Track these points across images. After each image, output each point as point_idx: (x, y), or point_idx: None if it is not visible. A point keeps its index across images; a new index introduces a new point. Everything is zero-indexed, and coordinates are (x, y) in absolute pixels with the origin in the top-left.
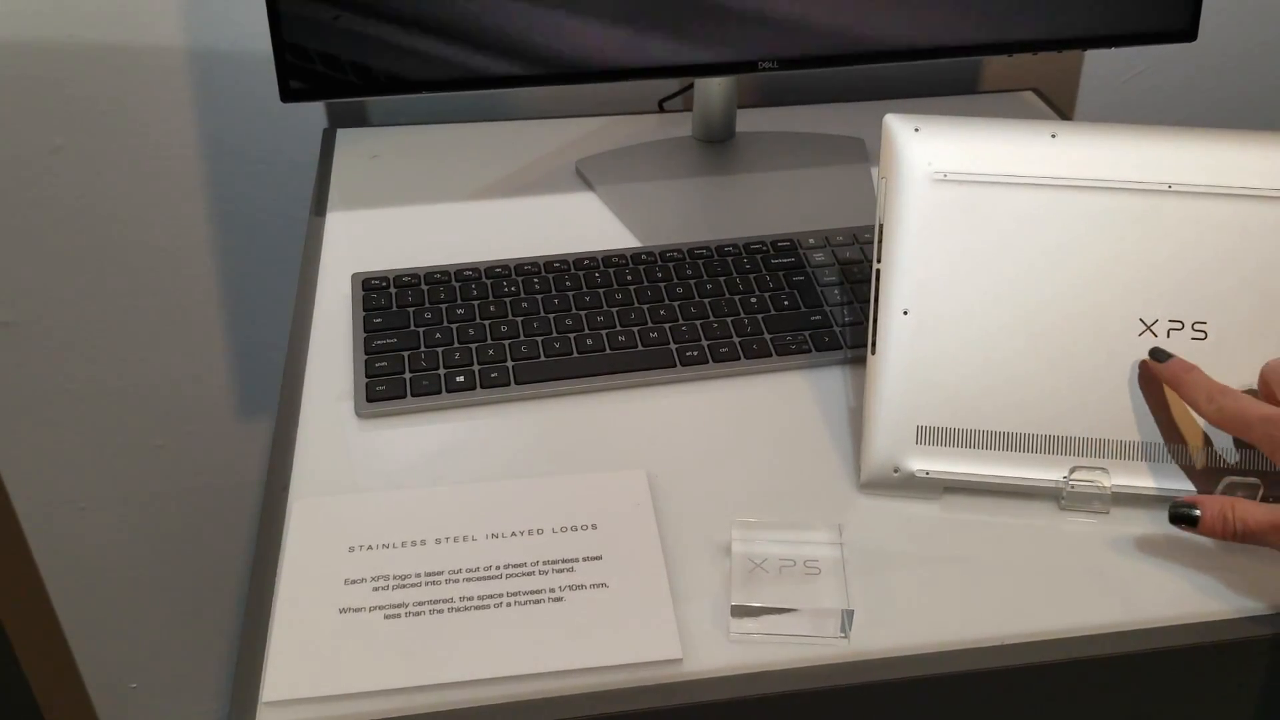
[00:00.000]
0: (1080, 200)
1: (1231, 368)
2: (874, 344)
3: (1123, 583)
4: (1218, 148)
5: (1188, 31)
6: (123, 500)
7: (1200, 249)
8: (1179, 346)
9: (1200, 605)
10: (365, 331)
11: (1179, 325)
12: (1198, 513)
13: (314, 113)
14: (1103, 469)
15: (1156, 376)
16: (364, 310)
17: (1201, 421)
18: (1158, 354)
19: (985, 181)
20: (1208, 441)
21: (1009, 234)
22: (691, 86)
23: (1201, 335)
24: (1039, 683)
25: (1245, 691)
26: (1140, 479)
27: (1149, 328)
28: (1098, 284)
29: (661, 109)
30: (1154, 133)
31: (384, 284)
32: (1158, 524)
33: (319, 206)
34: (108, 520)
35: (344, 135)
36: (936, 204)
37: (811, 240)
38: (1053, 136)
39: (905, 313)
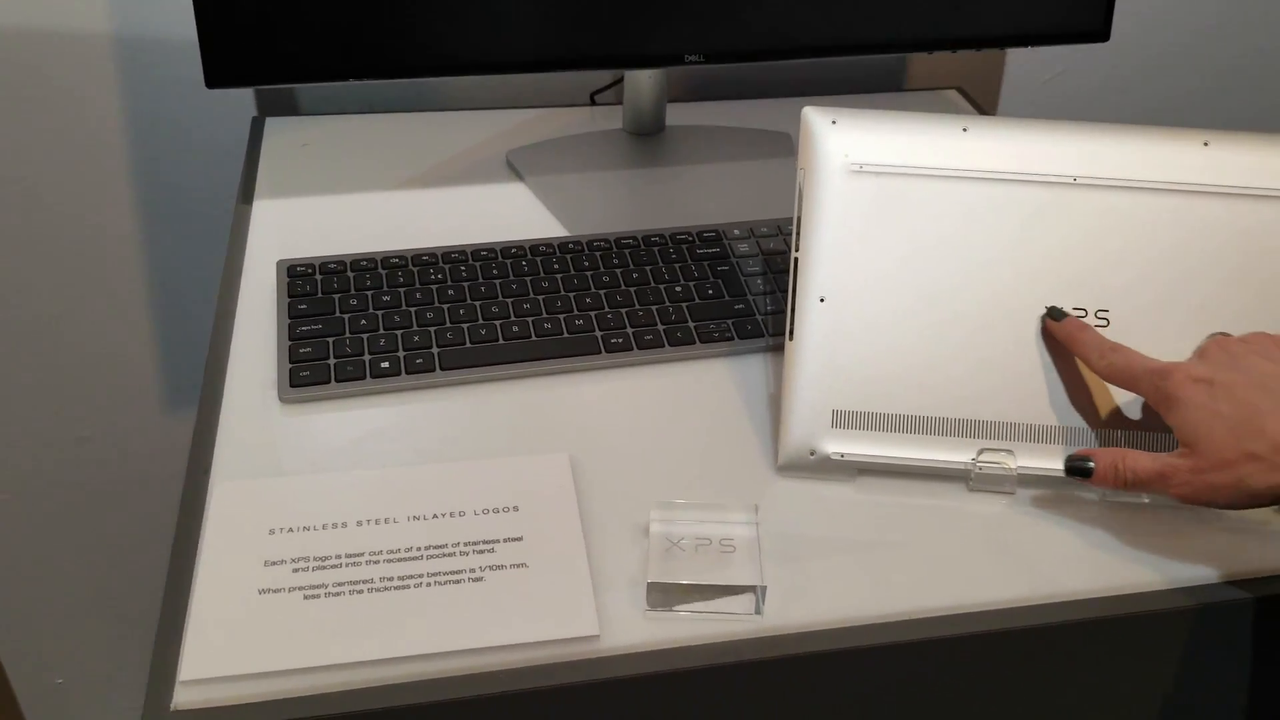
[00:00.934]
0: (990, 191)
1: None
2: (792, 330)
3: (1028, 559)
4: (1122, 143)
5: (1101, 32)
6: (48, 493)
7: (1103, 239)
8: None
9: (1101, 580)
10: (290, 318)
11: (1083, 312)
12: (1091, 464)
13: (244, 101)
14: (1009, 451)
15: (1053, 334)
16: (289, 297)
17: (1101, 402)
18: (1055, 312)
19: (899, 173)
20: (1107, 424)
21: (922, 224)
22: (622, 80)
23: (1104, 322)
24: (945, 655)
25: (1143, 663)
26: (1045, 460)
27: None
28: (1006, 272)
29: (593, 102)
30: (1061, 128)
31: (309, 271)
32: (1062, 504)
33: (246, 194)
34: (32, 513)
35: (273, 123)
36: (853, 194)
37: (736, 231)
38: (964, 130)
39: (822, 300)
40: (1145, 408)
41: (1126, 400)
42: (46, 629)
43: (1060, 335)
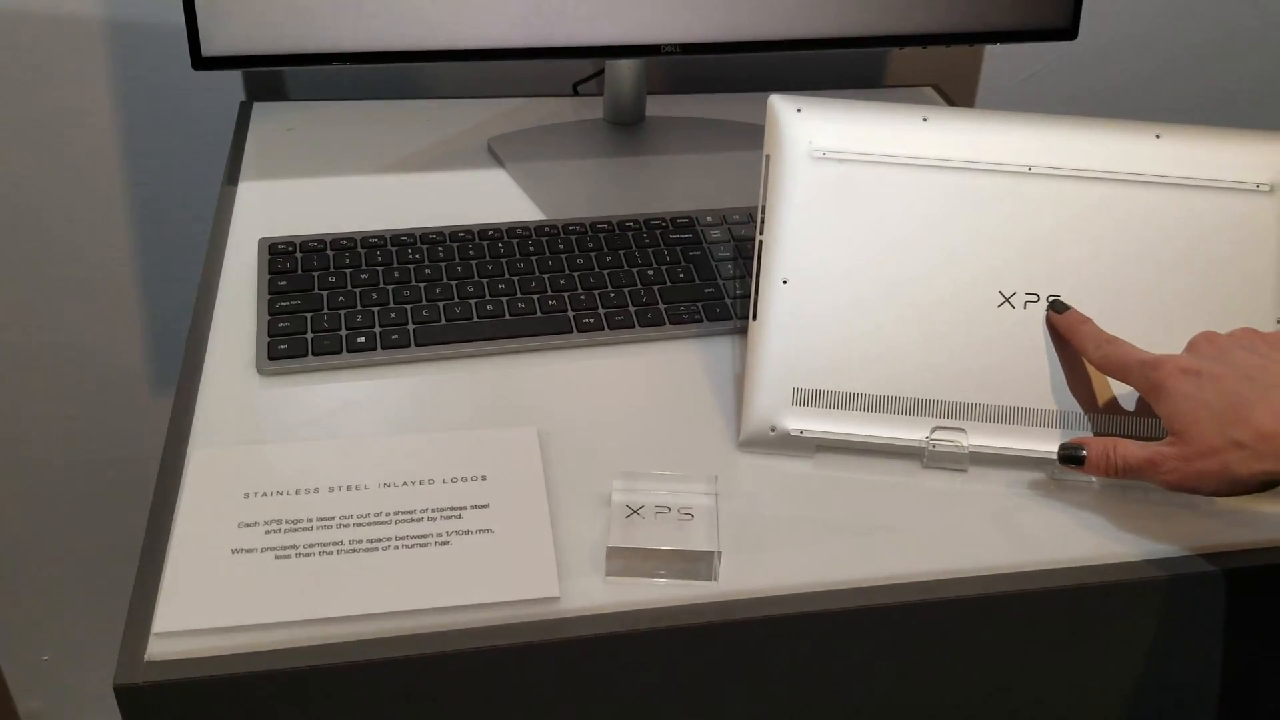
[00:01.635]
0: (947, 179)
1: None
2: (755, 311)
3: (976, 534)
4: (1076, 134)
5: (1068, 30)
6: (34, 470)
7: (1056, 226)
8: (1035, 317)
9: (1043, 553)
10: (270, 293)
11: (1035, 297)
12: (1084, 453)
13: (232, 86)
14: (961, 430)
15: (1054, 326)
16: (269, 273)
17: (1050, 388)
18: (1058, 305)
19: (861, 160)
20: (1057, 405)
21: (882, 210)
22: (604, 71)
23: None
24: (892, 621)
25: (1077, 636)
26: (996, 439)
27: (1007, 299)
28: (962, 257)
29: (576, 92)
30: (1017, 119)
31: (290, 249)
32: (1011, 482)
33: (231, 176)
34: (19, 490)
35: (260, 108)
36: (816, 180)
37: (709, 218)
38: (924, 120)
39: (785, 282)
40: (1093, 390)
41: (1082, 376)
42: (34, 606)
43: (1061, 327)
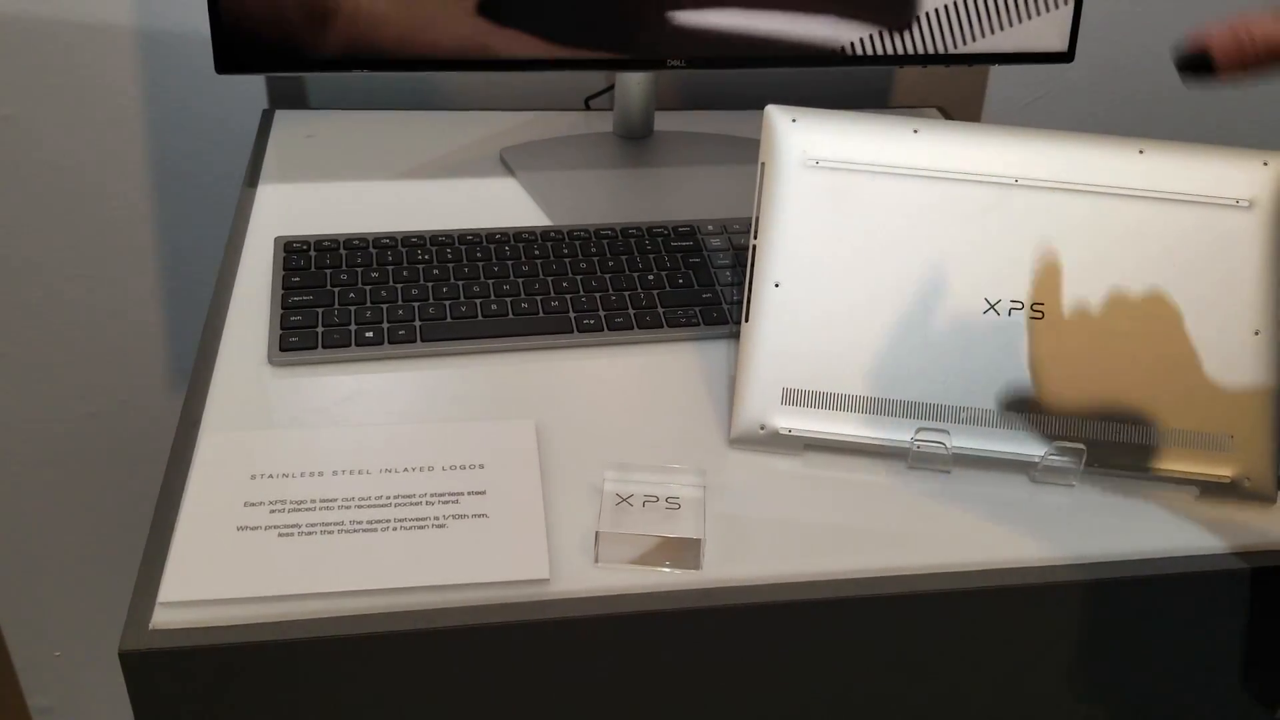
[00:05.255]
0: (937, 189)
1: (1063, 346)
2: (748, 313)
3: (957, 532)
4: (1061, 149)
5: (1065, 54)
6: (53, 466)
7: (1041, 238)
8: (1019, 324)
9: (1022, 552)
10: (283, 288)
11: (1019, 305)
12: (1207, 55)
13: (255, 94)
14: (946, 431)
15: (1220, 54)
16: (284, 270)
17: (1034, 393)
18: (1193, 60)
19: (853, 169)
20: (1039, 409)
21: (873, 217)
22: (614, 85)
23: (1039, 315)
24: (869, 613)
25: (1054, 633)
26: (978, 442)
27: (993, 306)
28: (949, 265)
29: (587, 107)
30: (1004, 133)
31: (305, 247)
32: (994, 483)
33: (252, 178)
34: (38, 487)
35: (282, 115)
36: (809, 188)
37: (710, 227)
38: (915, 132)
39: (777, 285)
40: (1078, 394)
41: (1063, 382)
42: (47, 602)
43: (1235, 47)
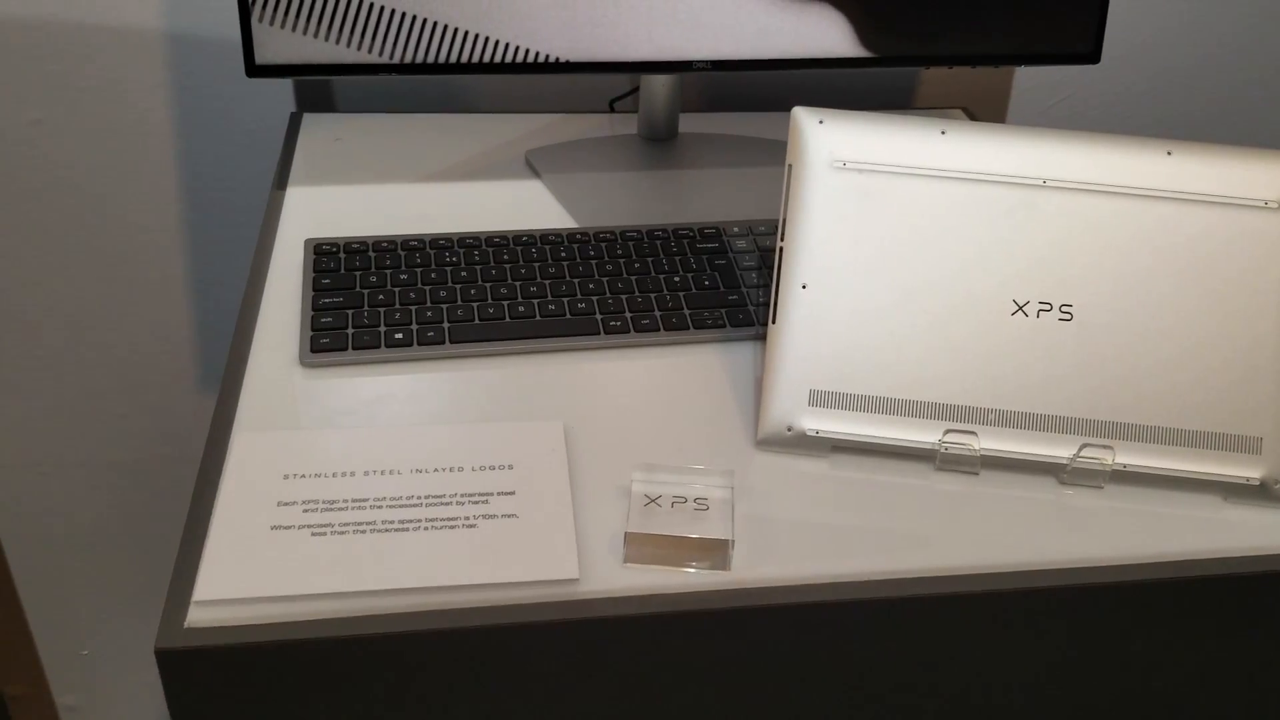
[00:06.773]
0: (964, 191)
1: (1093, 348)
2: (775, 314)
3: (985, 534)
4: (1089, 150)
5: (1091, 54)
6: (83, 466)
7: (1069, 238)
8: (1047, 326)
9: (1050, 555)
10: (314, 291)
11: (1048, 307)
12: None
13: (284, 97)
14: (974, 433)
15: None
16: (314, 272)
17: (1062, 395)
18: None
19: (880, 170)
20: (1068, 411)
21: (900, 219)
22: (639, 88)
23: (1068, 317)
24: (895, 614)
25: (1086, 633)
26: (1007, 443)
27: (1021, 308)
28: (977, 266)
29: (612, 109)
30: (1032, 134)
31: (334, 249)
32: (1022, 485)
33: (281, 181)
34: (67, 486)
35: (310, 119)
36: (836, 189)
37: (736, 229)
38: (942, 133)
39: (804, 287)
40: (1108, 397)
41: (1090, 388)
42: (75, 602)
43: None
